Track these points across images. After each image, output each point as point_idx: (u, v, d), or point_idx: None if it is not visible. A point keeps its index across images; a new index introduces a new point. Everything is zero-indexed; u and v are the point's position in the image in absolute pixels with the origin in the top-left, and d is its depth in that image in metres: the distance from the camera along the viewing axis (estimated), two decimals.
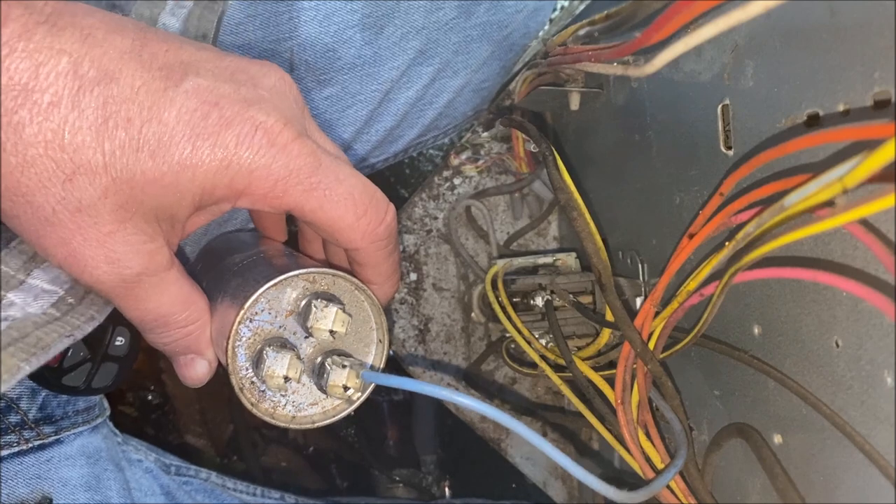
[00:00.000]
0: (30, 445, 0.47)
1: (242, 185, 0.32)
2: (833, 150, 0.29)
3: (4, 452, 0.45)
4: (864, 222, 0.27)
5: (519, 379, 0.68)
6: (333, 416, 0.37)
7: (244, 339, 0.35)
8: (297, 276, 0.35)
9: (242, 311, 0.34)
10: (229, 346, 0.34)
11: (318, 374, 0.36)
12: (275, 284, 0.34)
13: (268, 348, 0.35)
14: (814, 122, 0.30)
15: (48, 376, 0.45)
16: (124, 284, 0.32)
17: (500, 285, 0.53)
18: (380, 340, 0.38)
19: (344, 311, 0.35)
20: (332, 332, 0.35)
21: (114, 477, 0.51)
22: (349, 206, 0.34)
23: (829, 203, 0.26)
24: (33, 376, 0.45)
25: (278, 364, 0.34)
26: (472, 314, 0.65)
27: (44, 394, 0.47)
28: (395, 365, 0.67)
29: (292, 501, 0.62)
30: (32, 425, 0.43)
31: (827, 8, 0.29)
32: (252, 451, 0.80)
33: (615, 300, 0.42)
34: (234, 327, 0.34)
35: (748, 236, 0.30)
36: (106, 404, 0.53)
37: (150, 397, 0.79)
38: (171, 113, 0.30)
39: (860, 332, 0.29)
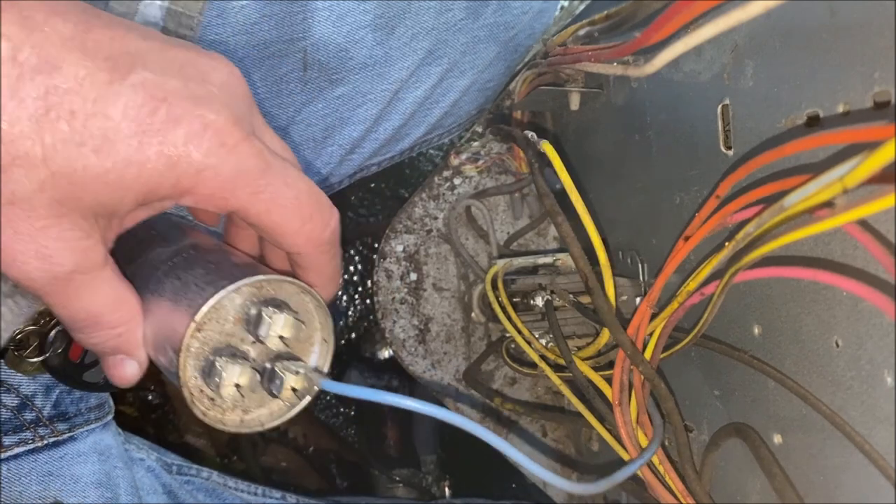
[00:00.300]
0: (45, 442, 0.47)
1: (189, 184, 0.31)
2: (833, 150, 0.29)
3: (20, 450, 0.46)
4: (863, 223, 0.27)
5: (519, 379, 0.67)
6: (280, 417, 0.37)
7: (193, 350, 0.34)
8: (247, 284, 0.34)
9: (193, 324, 0.33)
10: (181, 360, 0.34)
11: (269, 380, 0.36)
12: (226, 295, 0.33)
13: (219, 358, 0.34)
14: (814, 122, 0.30)
15: (70, 372, 0.46)
16: (55, 282, 0.31)
17: (500, 285, 0.53)
18: (324, 340, 0.37)
19: (294, 317, 0.35)
20: (281, 337, 0.35)
21: (122, 474, 0.51)
22: (295, 212, 0.33)
23: (829, 203, 0.26)
24: (54, 372, 0.45)
25: (231, 374, 0.34)
26: (473, 314, 0.65)
27: (58, 391, 0.48)
28: (395, 365, 0.67)
29: (293, 501, 0.62)
30: (47, 422, 0.43)
31: (827, 8, 0.29)
32: (252, 451, 0.80)
33: (603, 304, 0.42)
34: (185, 340, 0.33)
35: (748, 236, 0.30)
36: (111, 402, 0.54)
37: (150, 397, 0.79)
38: (118, 107, 0.29)
39: (860, 332, 0.29)
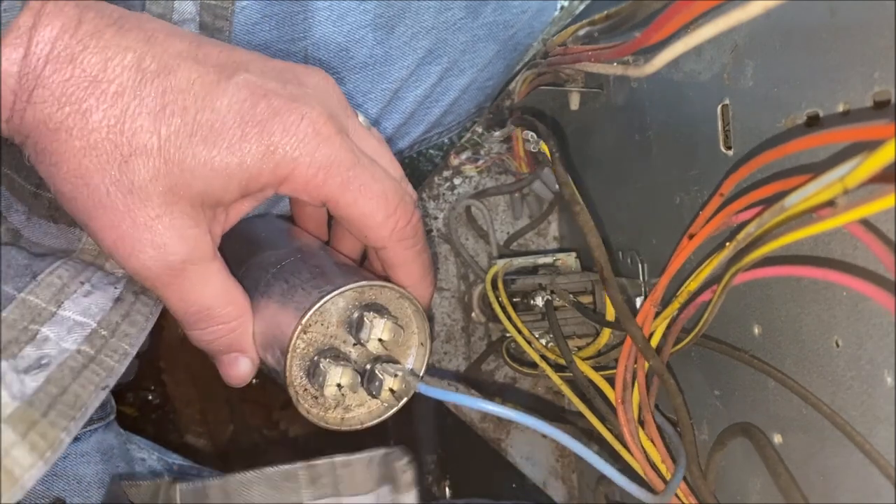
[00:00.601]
0: None
1: (286, 171, 0.34)
2: (833, 150, 0.29)
3: None
4: (865, 222, 0.27)
5: (519, 379, 0.67)
6: (379, 417, 0.39)
7: (298, 350, 0.36)
8: (350, 288, 0.36)
9: (300, 326, 0.35)
10: (288, 360, 0.35)
11: (369, 380, 0.37)
12: (330, 298, 0.35)
13: (323, 360, 0.36)
14: (814, 122, 0.30)
15: None
16: (169, 272, 0.34)
17: (500, 285, 0.53)
18: (421, 343, 0.39)
19: (394, 322, 0.36)
20: (381, 340, 0.36)
21: (124, 474, 0.52)
22: (381, 204, 0.36)
23: (830, 203, 0.26)
24: None
25: (334, 375, 0.35)
26: (473, 314, 0.65)
27: None
28: None
29: None
30: None
31: (827, 8, 0.29)
32: (252, 451, 0.80)
33: (617, 295, 0.42)
34: (293, 341, 0.35)
35: (749, 236, 0.30)
36: (113, 402, 0.54)
37: (150, 397, 0.79)
38: (223, 101, 0.32)
39: (860, 332, 0.29)
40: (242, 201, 0.36)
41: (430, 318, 0.40)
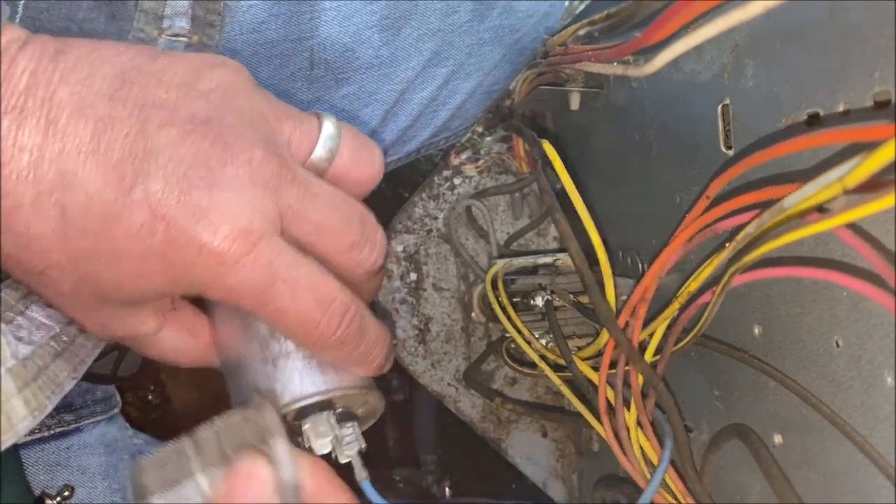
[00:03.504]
0: (51, 432, 0.48)
1: (198, 291, 0.32)
2: (833, 150, 0.29)
3: (27, 439, 0.46)
4: (854, 226, 0.27)
5: (519, 379, 0.67)
6: None
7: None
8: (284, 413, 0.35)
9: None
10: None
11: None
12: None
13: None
14: (814, 122, 0.30)
15: None
16: (123, 341, 0.36)
17: (500, 285, 0.53)
18: (378, 396, 0.39)
19: (333, 415, 0.36)
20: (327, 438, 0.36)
21: None
22: (300, 322, 0.33)
23: (829, 203, 0.26)
24: None
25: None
26: (473, 314, 0.65)
27: None
28: (395, 365, 0.67)
29: None
30: (53, 412, 0.44)
31: (827, 8, 0.29)
32: None
33: (600, 301, 0.42)
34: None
35: (748, 237, 0.30)
36: (118, 397, 0.54)
37: (150, 397, 0.79)
38: (120, 229, 0.30)
39: (860, 332, 0.29)
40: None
41: (374, 387, 0.39)
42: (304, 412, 0.36)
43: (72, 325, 0.36)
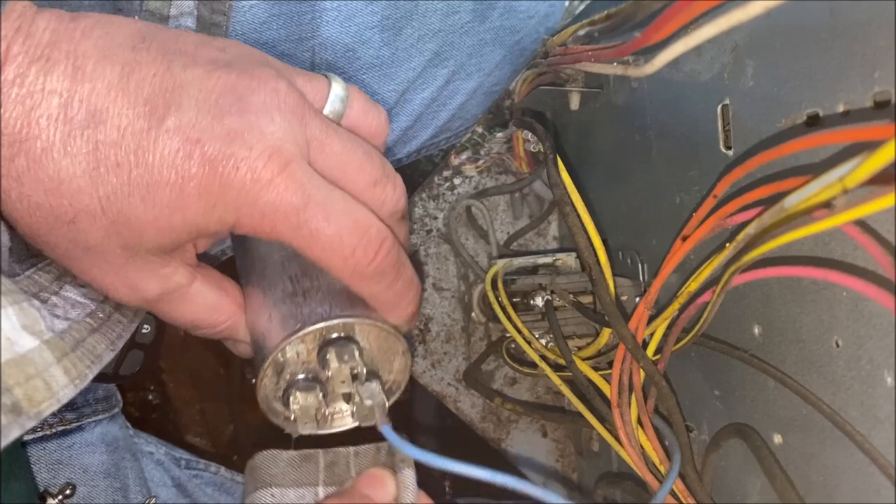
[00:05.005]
0: (53, 431, 0.48)
1: (231, 220, 0.32)
2: (833, 150, 0.29)
3: (29, 437, 0.46)
4: (862, 223, 0.27)
5: (519, 379, 0.67)
6: (349, 426, 0.40)
7: (271, 384, 0.37)
8: (307, 333, 0.36)
9: (269, 362, 0.36)
10: (259, 384, 0.36)
11: (334, 401, 0.38)
12: (289, 342, 0.35)
13: (295, 391, 0.36)
14: (814, 122, 0.30)
15: None
16: (148, 304, 0.34)
17: (500, 285, 0.53)
18: (403, 352, 0.39)
19: (359, 354, 0.36)
20: (352, 371, 0.36)
21: (131, 466, 0.53)
22: (336, 248, 0.33)
23: (829, 203, 0.26)
24: None
25: (301, 398, 0.36)
26: (473, 314, 0.65)
27: None
28: None
29: None
30: (55, 411, 0.45)
31: (827, 8, 0.29)
32: (253, 451, 0.79)
33: (606, 296, 0.42)
34: (264, 371, 0.36)
35: (748, 237, 0.30)
36: (119, 396, 0.55)
37: (150, 397, 0.79)
38: (155, 156, 0.30)
39: (860, 332, 0.29)
40: (200, 241, 0.36)
41: (409, 336, 0.39)
42: (329, 341, 0.36)
43: (106, 302, 0.36)
